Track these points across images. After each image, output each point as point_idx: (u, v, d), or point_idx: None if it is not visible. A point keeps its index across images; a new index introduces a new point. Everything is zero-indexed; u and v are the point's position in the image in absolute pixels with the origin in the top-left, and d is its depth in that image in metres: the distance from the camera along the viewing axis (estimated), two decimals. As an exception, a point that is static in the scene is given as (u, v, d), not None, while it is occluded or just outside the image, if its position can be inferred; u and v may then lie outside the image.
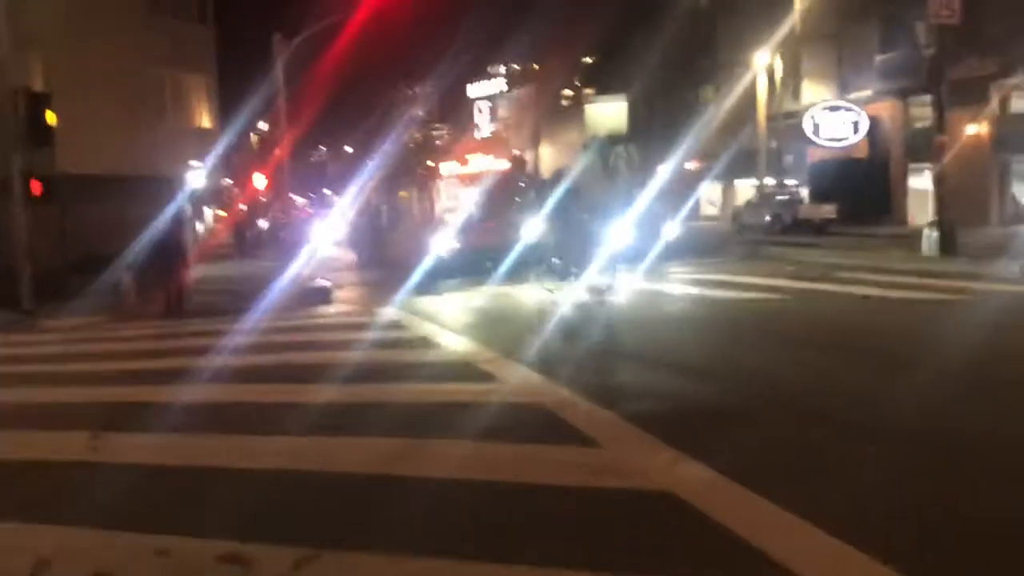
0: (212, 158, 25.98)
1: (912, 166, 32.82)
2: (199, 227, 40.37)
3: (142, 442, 6.34)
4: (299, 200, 61.40)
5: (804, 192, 34.50)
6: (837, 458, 5.15)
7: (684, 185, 40.49)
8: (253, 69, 24.58)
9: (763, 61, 34.65)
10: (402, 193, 23.81)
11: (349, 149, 75.68)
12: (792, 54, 36.22)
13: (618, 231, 13.45)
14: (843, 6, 33.52)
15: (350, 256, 34.12)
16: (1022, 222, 28.51)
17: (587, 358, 8.44)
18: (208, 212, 50.61)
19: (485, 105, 68.09)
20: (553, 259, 13.64)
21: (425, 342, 10.05)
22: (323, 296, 19.50)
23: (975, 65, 24.74)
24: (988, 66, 25.01)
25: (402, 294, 16.71)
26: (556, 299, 13.21)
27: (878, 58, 32.13)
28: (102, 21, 22.05)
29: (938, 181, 16.68)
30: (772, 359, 8.08)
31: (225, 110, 26.02)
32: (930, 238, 15.99)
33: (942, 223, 16.13)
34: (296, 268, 23.48)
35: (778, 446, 5.43)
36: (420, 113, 76.86)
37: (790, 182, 35.72)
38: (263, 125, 51.62)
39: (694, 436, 5.53)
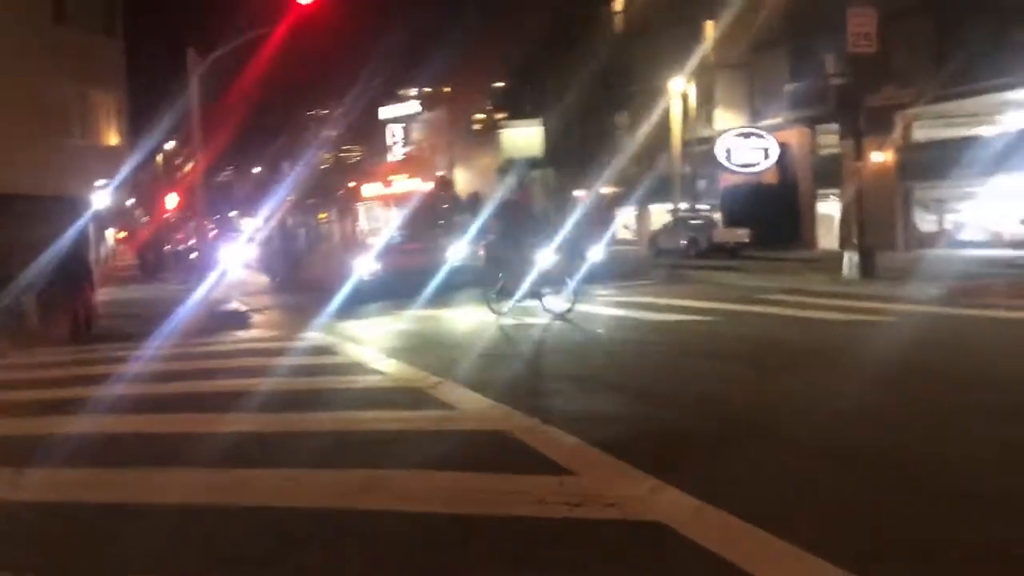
0: (119, 177, 24.96)
1: (819, 192, 33.85)
2: (101, 249, 38.87)
3: (58, 477, 5.87)
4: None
5: (716, 216, 35.17)
6: (806, 479, 5.10)
7: (600, 210, 40.93)
8: (163, 85, 23.80)
9: (678, 88, 35.31)
10: (321, 214, 23.27)
11: (256, 170, 74.18)
12: (706, 81, 37.01)
13: (560, 253, 13.52)
14: (754, 36, 34.43)
15: (262, 279, 33.29)
16: (923, 247, 29.61)
17: (539, 381, 8.24)
18: (109, 233, 48.86)
19: (398, 127, 67.75)
20: (501, 280, 13.34)
21: (362, 368, 9.69)
22: (240, 320, 18.86)
23: (890, 94, 25.63)
24: (902, 95, 25.92)
25: (325, 318, 16.28)
26: (503, 321, 13.02)
27: (788, 87, 33.07)
28: (3, 33, 20.98)
29: (856, 206, 17.10)
30: (720, 380, 8.03)
31: (134, 127, 25.02)
32: (851, 261, 16.38)
33: (862, 247, 16.55)
34: (207, 291, 22.72)
35: (749, 469, 5.36)
36: (332, 134, 76.00)
37: (703, 207, 36.37)
38: (168, 144, 50.20)
39: (666, 462, 5.39)
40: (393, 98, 76.03)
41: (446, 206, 21.58)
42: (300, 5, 20.07)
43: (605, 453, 5.61)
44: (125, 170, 24.22)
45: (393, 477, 5.43)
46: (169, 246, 38.13)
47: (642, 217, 42.59)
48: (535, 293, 13.30)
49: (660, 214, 39.95)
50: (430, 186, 21.16)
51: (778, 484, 5.04)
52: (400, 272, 19.96)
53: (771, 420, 6.46)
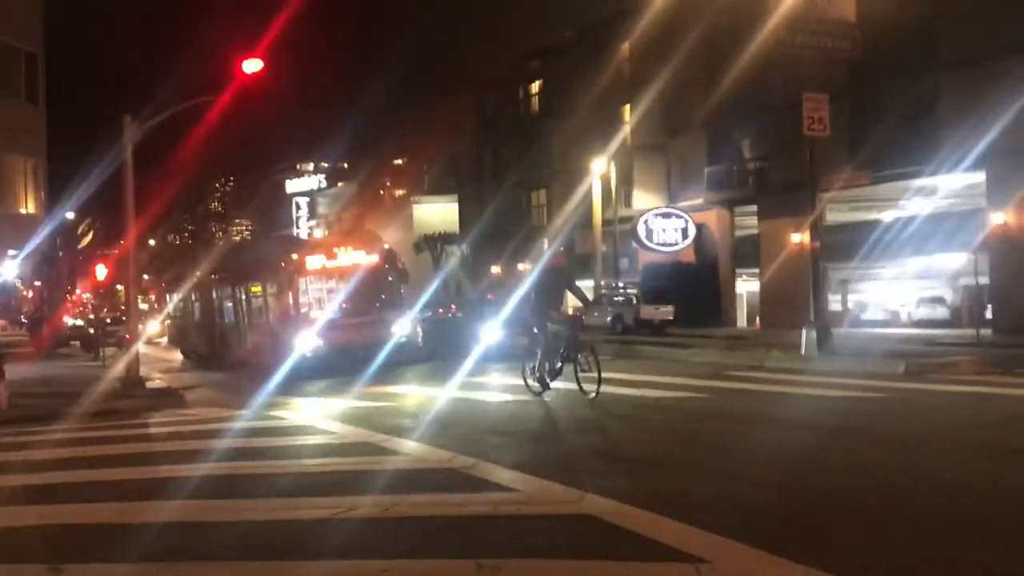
0: (31, 245, 23.61)
1: (737, 271, 34.88)
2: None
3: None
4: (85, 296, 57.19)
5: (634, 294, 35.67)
6: (945, 554, 4.91)
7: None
8: (94, 154, 22.77)
9: (598, 169, 36.03)
10: (253, 287, 22.44)
11: (152, 242, 71.70)
12: (623, 163, 37.93)
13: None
14: (671, 120, 35.61)
15: (174, 355, 31.81)
16: (837, 325, 30.66)
17: (582, 460, 7.87)
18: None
19: (303, 201, 66.93)
20: (540, 356, 12.42)
21: (373, 447, 9.11)
22: (175, 398, 17.80)
23: (849, 176, 26.82)
24: (859, 177, 27.10)
25: (274, 396, 15.58)
26: (543, 398, 12.25)
27: (706, 170, 34.22)
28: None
29: (814, 286, 17.58)
30: (774, 455, 7.80)
31: (58, 196, 23.75)
32: (808, 338, 16.73)
33: (819, 324, 16.97)
34: (123, 368, 21.38)
35: (879, 544, 5.14)
36: (220, 209, 74.42)
37: (622, 284, 36.91)
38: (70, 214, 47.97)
39: (796, 544, 5.08)
40: (295, 172, 75.34)
41: (391, 279, 21.16)
42: (244, 75, 19.59)
43: (723, 537, 5.30)
44: (40, 238, 22.90)
45: (504, 567, 4.99)
46: (73, 320, 36.12)
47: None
48: (573, 366, 12.15)
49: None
50: (375, 259, 20.72)
51: (929, 560, 4.85)
52: (344, 348, 19.39)
53: (873, 495, 6.27)
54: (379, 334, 19.55)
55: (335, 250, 20.48)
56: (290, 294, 20.06)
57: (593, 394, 11.59)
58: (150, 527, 6.21)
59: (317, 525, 6.10)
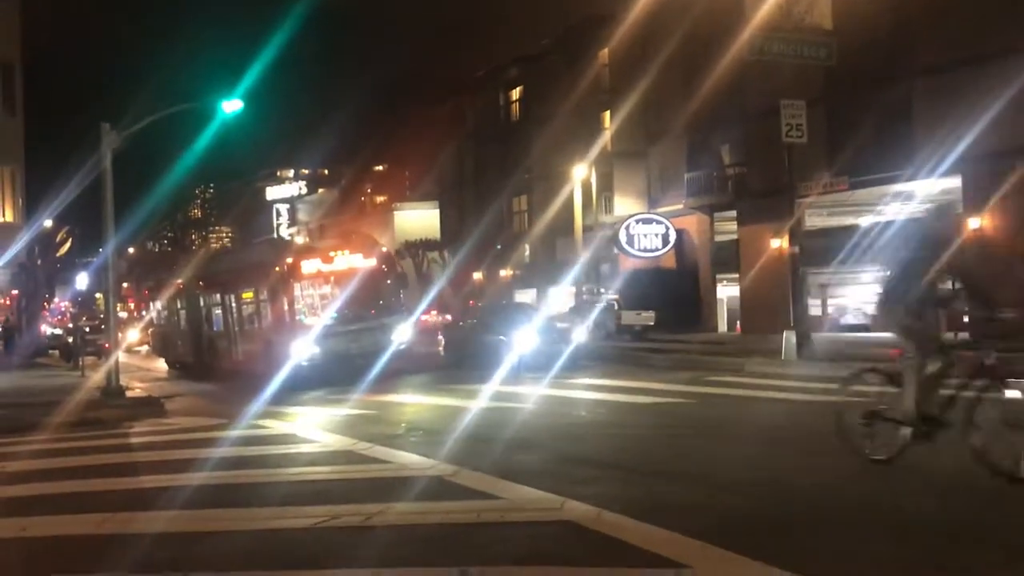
0: (9, 254, 23.42)
1: (717, 276, 35.02)
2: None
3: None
4: (64, 304, 56.77)
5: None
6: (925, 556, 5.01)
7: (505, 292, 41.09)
8: (75, 162, 22.52)
9: (579, 175, 36.11)
10: (245, 293, 22.07)
11: (131, 250, 71.32)
12: (604, 168, 38.04)
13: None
14: (650, 127, 35.76)
15: (158, 364, 31.43)
16: (817, 330, 30.83)
17: (566, 467, 7.90)
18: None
19: (284, 208, 66.71)
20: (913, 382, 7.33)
21: (355, 456, 9.13)
22: (156, 408, 17.65)
23: (827, 181, 26.85)
24: (837, 183, 27.14)
25: (265, 405, 15.27)
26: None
27: (686, 176, 34.36)
28: None
29: (793, 292, 17.72)
30: (752, 463, 7.84)
31: (38, 205, 23.55)
32: (788, 343, 16.88)
33: (799, 329, 17.12)
34: (103, 377, 21.16)
35: (856, 549, 5.25)
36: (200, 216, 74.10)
37: (604, 290, 36.99)
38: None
39: (774, 550, 5.15)
40: (275, 179, 75.24)
41: (390, 283, 20.75)
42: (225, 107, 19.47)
43: (703, 542, 5.36)
44: (18, 247, 22.72)
45: (487, 575, 5.07)
46: (50, 328, 35.84)
47: (541, 299, 42.94)
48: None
49: (559, 296, 40.38)
50: (372, 262, 20.29)
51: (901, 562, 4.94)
52: (341, 356, 18.92)
53: (850, 500, 6.38)
54: (378, 341, 19.11)
55: (331, 254, 20.01)
56: (284, 300, 19.51)
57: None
58: (131, 539, 6.20)
59: (300, 534, 6.13)
